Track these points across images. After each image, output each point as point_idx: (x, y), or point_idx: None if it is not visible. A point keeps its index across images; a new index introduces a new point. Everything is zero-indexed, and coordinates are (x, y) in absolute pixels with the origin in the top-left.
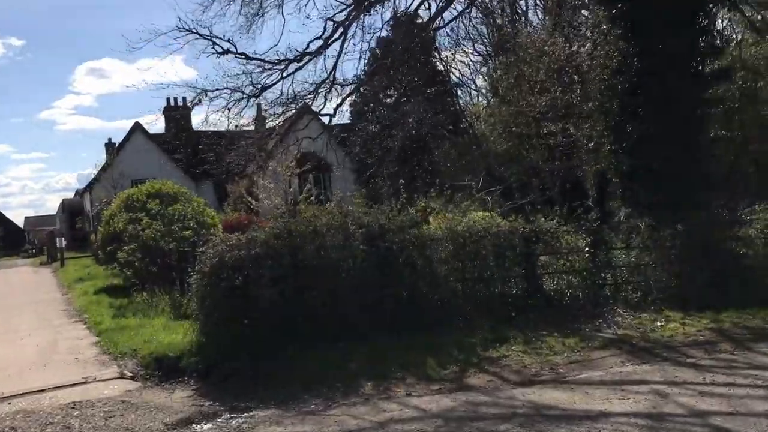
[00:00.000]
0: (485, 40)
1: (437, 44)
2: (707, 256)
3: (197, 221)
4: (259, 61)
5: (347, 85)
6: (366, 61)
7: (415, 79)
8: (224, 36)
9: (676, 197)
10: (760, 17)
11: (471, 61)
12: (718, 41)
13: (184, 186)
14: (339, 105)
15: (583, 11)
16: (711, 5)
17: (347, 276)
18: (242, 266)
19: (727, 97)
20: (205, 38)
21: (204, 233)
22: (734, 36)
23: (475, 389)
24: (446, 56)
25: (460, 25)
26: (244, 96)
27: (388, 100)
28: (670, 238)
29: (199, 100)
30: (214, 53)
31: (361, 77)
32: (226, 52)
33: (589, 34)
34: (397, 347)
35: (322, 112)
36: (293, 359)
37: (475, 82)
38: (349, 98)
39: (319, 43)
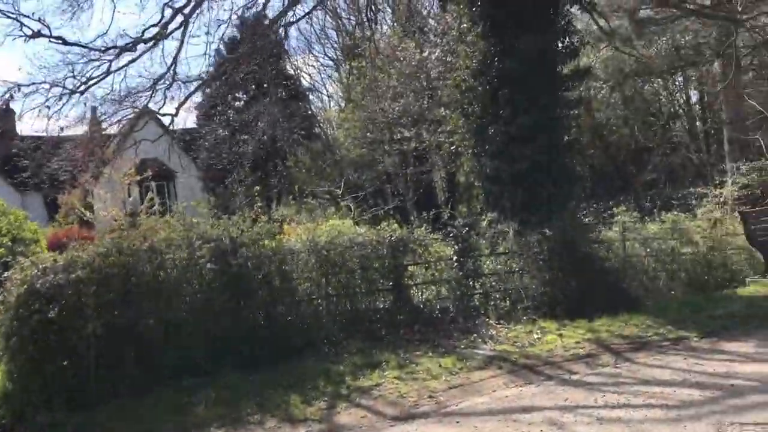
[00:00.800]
0: (335, 45)
1: (287, 47)
2: (573, 261)
3: (13, 237)
4: (81, 48)
5: (190, 82)
6: (213, 58)
7: (265, 83)
8: (38, 17)
9: (541, 200)
10: (605, 24)
11: (322, 65)
12: (575, 42)
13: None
14: (182, 104)
15: (430, 20)
16: (567, 6)
17: (192, 300)
18: (59, 294)
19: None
20: (8, 16)
21: (22, 251)
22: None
23: (347, 429)
24: (297, 60)
25: (311, 29)
26: (66, 91)
27: (238, 103)
28: (537, 243)
29: (11, 96)
30: (22, 36)
31: (204, 76)
32: (38, 34)
33: (438, 41)
34: (253, 383)
35: (162, 112)
36: (124, 406)
37: (326, 88)
38: (193, 98)
39: (156, 30)
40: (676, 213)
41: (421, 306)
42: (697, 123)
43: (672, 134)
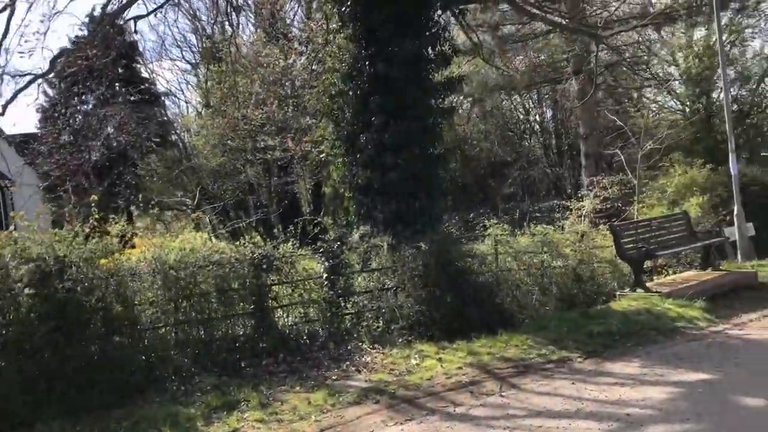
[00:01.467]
0: (194, 48)
1: (141, 49)
2: (448, 277)
3: None
4: None
5: (21, 75)
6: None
7: (114, 84)
8: None
9: (415, 212)
10: (474, 36)
11: (179, 69)
12: (448, 50)
13: None
14: (10, 101)
15: (294, 28)
16: (439, 12)
17: (5, 335)
18: None
19: None
20: None
21: None
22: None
23: None
24: (152, 63)
25: (168, 30)
26: None
27: (86, 106)
28: (412, 257)
29: None
30: None
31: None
32: None
33: (303, 49)
34: None
35: None
36: None
37: (184, 93)
38: (26, 96)
39: None
40: (544, 226)
41: (287, 331)
42: (553, 138)
43: (529, 149)
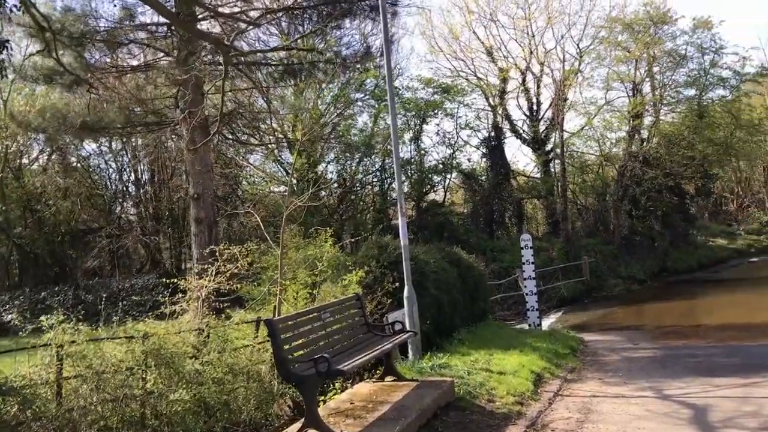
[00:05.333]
0: None
1: None
2: None
3: None
4: None
5: None
6: None
7: None
8: None
9: None
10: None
11: None
12: None
13: None
14: None
15: None
16: None
17: None
18: None
19: None
20: None
21: None
22: None
23: None
24: None
25: None
26: None
27: None
28: None
29: None
30: None
31: None
32: None
33: None
34: None
35: None
36: None
37: None
38: None
39: None
40: (149, 320)
41: None
42: (152, 202)
43: (122, 213)
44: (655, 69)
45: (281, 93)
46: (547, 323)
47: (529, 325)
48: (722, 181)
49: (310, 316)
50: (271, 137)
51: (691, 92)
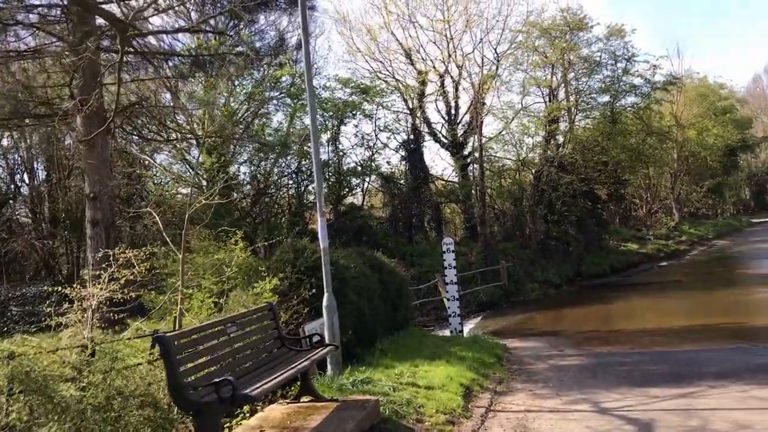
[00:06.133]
0: None
1: None
2: None
3: None
4: None
5: None
6: None
7: None
8: None
9: None
10: None
11: None
12: None
13: None
14: None
15: None
16: None
17: None
18: None
19: None
20: None
21: None
22: None
23: None
24: None
25: None
26: None
27: None
28: None
29: None
30: None
31: None
32: None
33: None
34: None
35: None
36: None
37: None
38: None
39: None
40: (25, 336)
41: None
42: (46, 203)
43: (12, 215)
44: (571, 75)
45: (190, 89)
46: (467, 329)
47: (451, 332)
48: (632, 187)
49: (214, 329)
50: (178, 134)
51: (605, 98)
